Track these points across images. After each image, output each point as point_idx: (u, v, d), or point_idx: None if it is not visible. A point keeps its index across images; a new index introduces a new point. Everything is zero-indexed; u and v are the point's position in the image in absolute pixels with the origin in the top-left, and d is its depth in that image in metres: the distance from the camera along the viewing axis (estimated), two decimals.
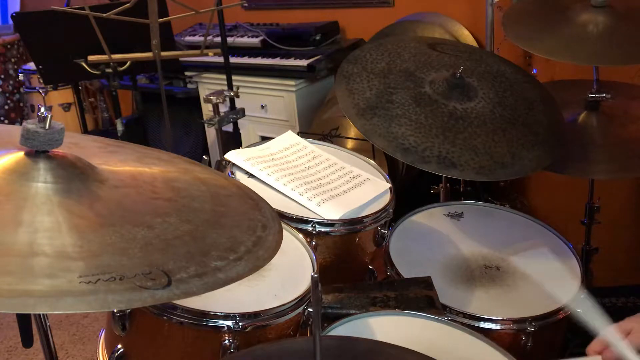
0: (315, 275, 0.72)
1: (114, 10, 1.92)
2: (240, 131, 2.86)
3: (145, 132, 3.49)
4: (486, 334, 1.17)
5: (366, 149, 2.11)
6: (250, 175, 1.50)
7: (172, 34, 2.70)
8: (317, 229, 1.37)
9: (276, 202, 1.40)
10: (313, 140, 1.75)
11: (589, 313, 1.03)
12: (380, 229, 1.50)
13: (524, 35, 1.68)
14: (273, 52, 2.98)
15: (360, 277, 1.53)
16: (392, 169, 2.31)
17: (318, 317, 0.75)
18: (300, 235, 1.34)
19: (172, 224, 0.81)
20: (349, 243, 1.46)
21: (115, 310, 1.08)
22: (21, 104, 4.19)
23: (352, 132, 2.40)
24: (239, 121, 2.65)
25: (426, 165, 1.37)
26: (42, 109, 0.81)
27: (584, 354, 1.05)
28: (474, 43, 2.63)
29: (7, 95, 4.15)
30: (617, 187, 2.31)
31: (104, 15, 1.93)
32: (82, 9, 1.98)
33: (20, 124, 0.82)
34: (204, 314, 1.06)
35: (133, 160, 0.99)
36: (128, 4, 1.93)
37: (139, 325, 1.11)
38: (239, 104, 2.63)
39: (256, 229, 0.88)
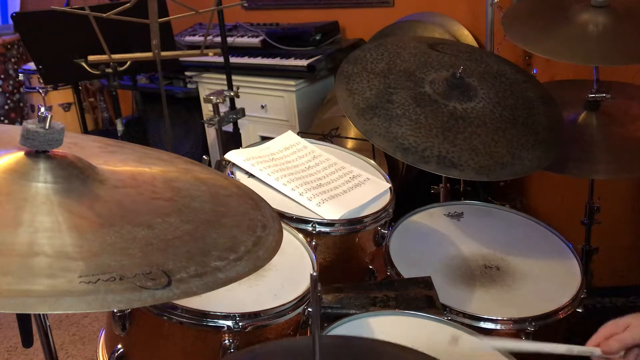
0: (315, 274, 0.72)
1: (114, 10, 1.92)
2: (240, 131, 2.85)
3: (145, 132, 3.49)
4: (486, 334, 1.16)
5: (366, 149, 2.11)
6: (250, 175, 1.50)
7: (172, 34, 2.70)
8: (317, 229, 1.37)
9: (276, 202, 1.40)
10: (313, 140, 1.75)
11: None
12: (380, 229, 1.50)
13: (524, 35, 1.68)
14: (273, 52, 2.98)
15: (360, 277, 1.53)
16: (392, 169, 2.31)
17: (318, 317, 0.75)
18: (300, 235, 1.34)
19: (172, 224, 0.81)
20: (349, 243, 1.46)
21: (115, 310, 1.08)
22: (21, 104, 4.19)
23: (352, 132, 2.40)
24: (239, 121, 2.65)
25: (426, 165, 1.37)
26: (42, 109, 0.81)
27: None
28: (474, 43, 2.63)
29: (7, 95, 4.15)
30: (617, 187, 2.31)
31: (104, 15, 1.93)
32: (82, 9, 1.98)
33: (20, 124, 0.82)
34: (204, 314, 1.06)
35: (133, 160, 0.99)
36: (128, 4, 1.93)
37: (139, 325, 1.11)
38: (239, 104, 2.63)
39: (256, 229, 0.88)
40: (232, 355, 1.06)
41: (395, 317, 1.20)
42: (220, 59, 2.65)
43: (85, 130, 3.54)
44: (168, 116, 2.12)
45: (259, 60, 2.95)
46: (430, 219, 1.66)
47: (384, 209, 1.49)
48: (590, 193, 1.87)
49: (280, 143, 1.66)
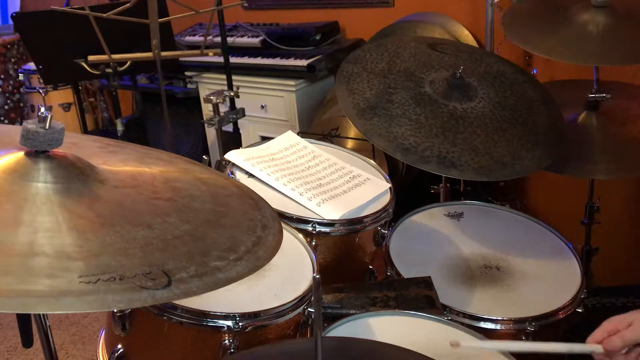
0: (317, 277, 0.72)
1: (114, 10, 1.92)
2: (240, 131, 2.85)
3: (145, 132, 3.49)
4: (486, 334, 1.17)
5: (366, 149, 2.11)
6: (250, 175, 1.50)
7: (172, 34, 2.70)
8: (317, 229, 1.37)
9: (276, 202, 1.40)
10: (313, 140, 1.75)
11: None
12: (380, 229, 1.50)
13: (524, 35, 1.68)
14: (273, 52, 2.98)
15: (360, 277, 1.53)
16: (392, 169, 2.31)
17: (319, 318, 0.75)
18: (300, 235, 1.34)
19: (172, 224, 0.81)
20: (349, 243, 1.46)
21: (115, 310, 1.08)
22: (21, 104, 4.19)
23: (352, 132, 2.40)
24: (239, 121, 2.65)
25: (426, 165, 1.37)
26: (42, 109, 0.80)
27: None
28: (474, 43, 2.63)
29: (7, 95, 4.15)
30: (617, 187, 2.30)
31: (104, 15, 1.93)
32: (82, 9, 1.98)
33: (20, 124, 0.81)
34: (204, 314, 1.06)
35: (133, 160, 0.99)
36: (128, 4, 1.93)
37: (139, 325, 1.11)
38: (239, 104, 2.63)
39: (256, 229, 0.88)
40: (232, 357, 1.06)
41: (395, 317, 1.20)
42: (220, 59, 2.65)
43: (85, 130, 3.54)
44: (168, 116, 2.12)
45: (259, 60, 2.95)
46: (430, 219, 1.66)
47: (384, 209, 1.49)
48: (590, 193, 1.88)
49: (280, 143, 1.66)
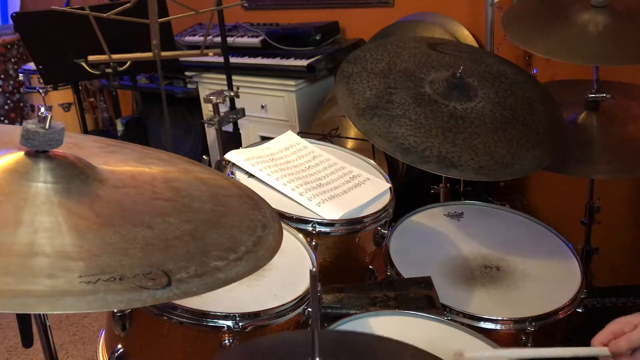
0: (314, 270, 0.72)
1: (114, 10, 1.92)
2: (240, 131, 2.85)
3: (145, 132, 3.50)
4: (486, 334, 1.16)
5: (366, 149, 2.11)
6: (250, 175, 1.50)
7: (172, 34, 2.70)
8: (317, 229, 1.37)
9: (276, 202, 1.40)
10: (313, 140, 1.75)
11: None
12: (380, 229, 1.50)
13: (524, 35, 1.68)
14: (273, 52, 2.98)
15: (360, 277, 1.53)
16: (392, 169, 2.31)
17: (317, 312, 0.75)
18: (300, 235, 1.34)
19: (172, 224, 0.81)
20: (349, 243, 1.46)
21: (115, 310, 1.08)
22: (21, 104, 4.19)
23: (352, 132, 2.40)
24: (239, 121, 2.65)
25: (426, 165, 1.37)
26: (42, 109, 0.81)
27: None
28: (474, 43, 2.63)
29: (7, 95, 4.15)
30: (617, 187, 2.31)
31: (104, 15, 1.93)
32: (82, 9, 1.98)
33: (20, 124, 0.81)
34: (204, 314, 1.06)
35: (133, 160, 0.99)
36: (128, 4, 1.93)
37: (139, 325, 1.11)
38: (239, 104, 2.63)
39: (256, 229, 0.88)
40: (231, 349, 1.06)
41: (395, 317, 1.20)
42: (220, 59, 2.65)
43: (85, 130, 3.54)
44: (168, 116, 2.12)
45: (259, 60, 2.95)
46: (430, 219, 1.66)
47: (384, 209, 1.49)
48: (590, 193, 1.88)
49: (280, 143, 1.66)
